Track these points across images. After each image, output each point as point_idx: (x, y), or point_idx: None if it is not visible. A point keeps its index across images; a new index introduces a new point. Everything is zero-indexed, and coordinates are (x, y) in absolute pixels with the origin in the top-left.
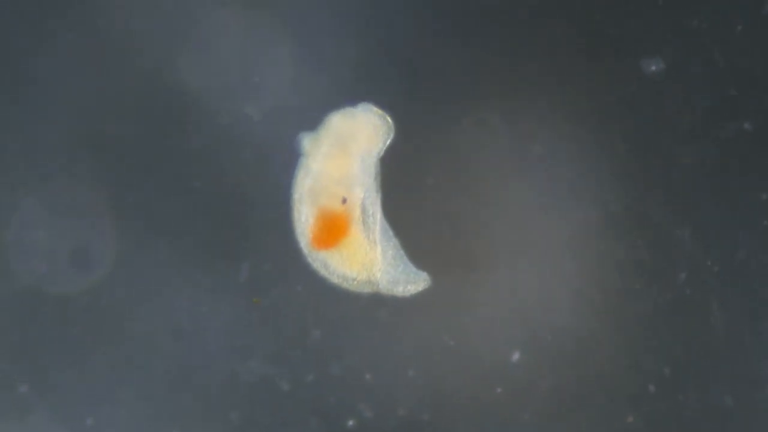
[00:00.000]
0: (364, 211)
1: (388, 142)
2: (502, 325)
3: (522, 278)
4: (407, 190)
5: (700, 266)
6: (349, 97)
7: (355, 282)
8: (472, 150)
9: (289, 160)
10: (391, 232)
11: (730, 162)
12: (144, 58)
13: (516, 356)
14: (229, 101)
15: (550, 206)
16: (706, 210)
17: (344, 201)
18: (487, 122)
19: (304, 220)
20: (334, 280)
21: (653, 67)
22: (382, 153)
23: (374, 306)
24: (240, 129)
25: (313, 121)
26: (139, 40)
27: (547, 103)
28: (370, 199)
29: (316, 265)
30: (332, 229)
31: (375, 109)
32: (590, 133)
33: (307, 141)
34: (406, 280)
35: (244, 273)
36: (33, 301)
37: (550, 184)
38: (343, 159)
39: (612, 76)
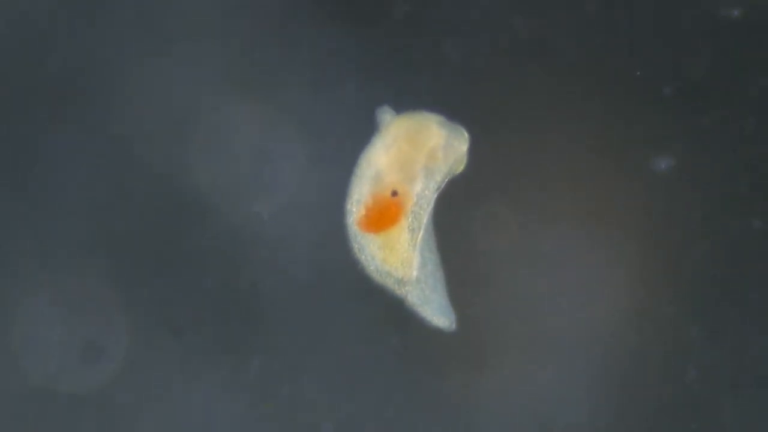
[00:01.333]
0: (414, 212)
1: (456, 170)
2: (511, 420)
3: (531, 373)
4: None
5: (710, 364)
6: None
7: (389, 276)
8: (482, 242)
9: (299, 255)
10: (435, 250)
11: (741, 259)
12: (154, 156)
13: None
14: (239, 199)
15: (560, 302)
16: (717, 307)
17: (394, 194)
18: (498, 215)
19: (357, 198)
20: (369, 267)
21: (663, 165)
22: (448, 176)
23: (384, 403)
24: (251, 227)
25: (324, 216)
26: (149, 139)
27: (557, 200)
28: (422, 205)
29: (355, 248)
30: (382, 214)
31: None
32: (600, 229)
33: (388, 116)
34: (435, 307)
35: (255, 370)
36: (43, 400)
37: (561, 280)
38: (411, 153)
39: (622, 174)
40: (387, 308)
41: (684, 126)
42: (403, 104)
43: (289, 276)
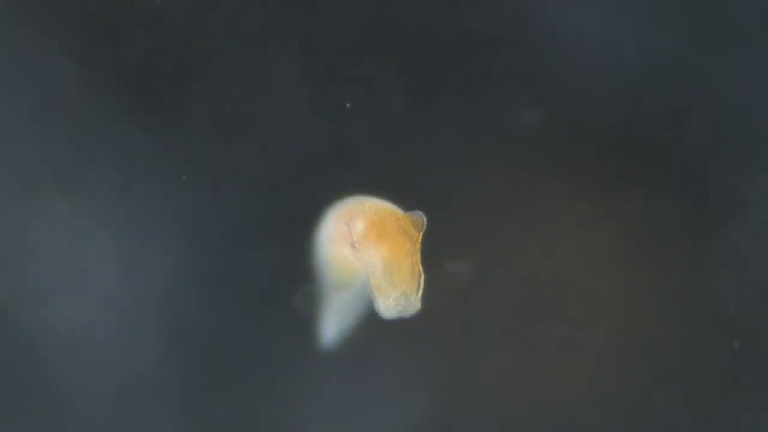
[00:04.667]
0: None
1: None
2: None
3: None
4: None
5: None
6: None
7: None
8: None
9: (106, 363)
10: None
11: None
12: None
13: None
14: (42, 307)
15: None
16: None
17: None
18: None
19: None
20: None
21: None
22: None
23: None
24: (54, 336)
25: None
26: None
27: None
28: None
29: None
30: (383, 228)
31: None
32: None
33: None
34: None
35: None
36: None
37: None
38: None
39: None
40: (186, 410)
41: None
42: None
43: (95, 380)
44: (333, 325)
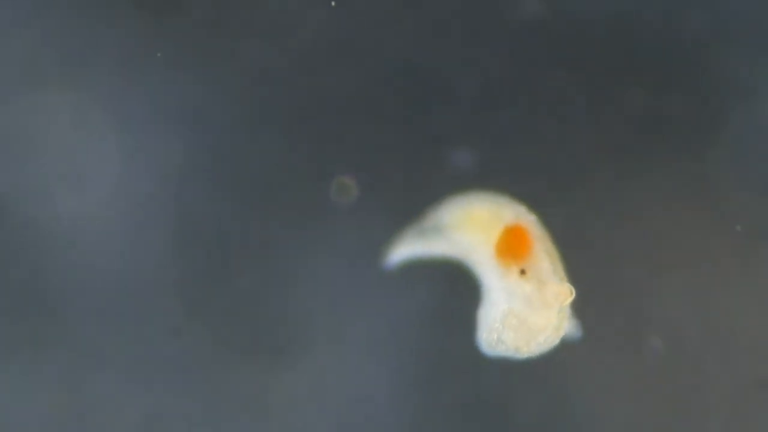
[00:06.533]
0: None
1: None
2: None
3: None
4: None
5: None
6: None
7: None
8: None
9: (109, 254)
10: None
11: None
12: None
13: None
14: (46, 199)
15: None
16: None
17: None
18: None
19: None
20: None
21: (463, 162)
22: None
23: (188, 398)
24: (58, 227)
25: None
26: None
27: None
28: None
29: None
30: (519, 239)
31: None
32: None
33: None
34: None
35: (57, 366)
36: None
37: None
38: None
39: (420, 171)
40: (188, 304)
41: (481, 122)
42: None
43: (97, 274)
44: (404, 251)
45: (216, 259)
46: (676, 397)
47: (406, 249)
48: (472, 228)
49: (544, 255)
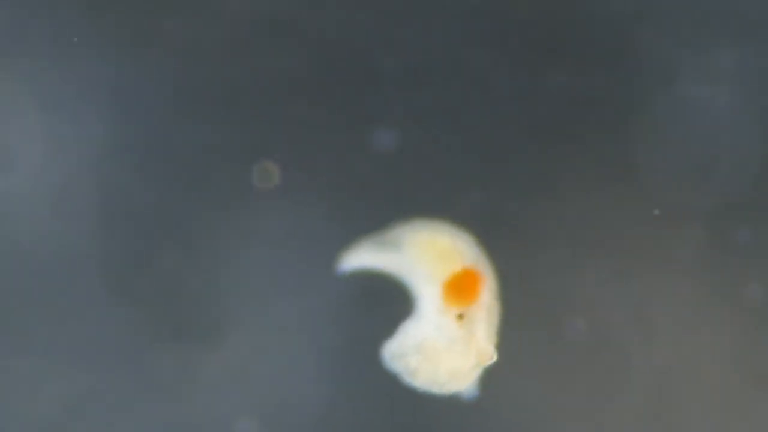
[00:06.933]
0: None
1: None
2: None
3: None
4: None
5: None
6: None
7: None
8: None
9: (36, 235)
10: None
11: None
12: None
13: None
14: None
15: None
16: None
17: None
18: None
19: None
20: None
21: (387, 141)
22: None
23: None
24: None
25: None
26: None
27: None
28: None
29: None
30: (470, 285)
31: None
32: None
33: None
34: None
35: None
36: None
37: None
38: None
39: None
40: (112, 285)
41: (405, 103)
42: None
43: (20, 253)
44: (358, 260)
45: (140, 240)
46: (597, 377)
47: (360, 258)
48: (430, 255)
49: (485, 309)
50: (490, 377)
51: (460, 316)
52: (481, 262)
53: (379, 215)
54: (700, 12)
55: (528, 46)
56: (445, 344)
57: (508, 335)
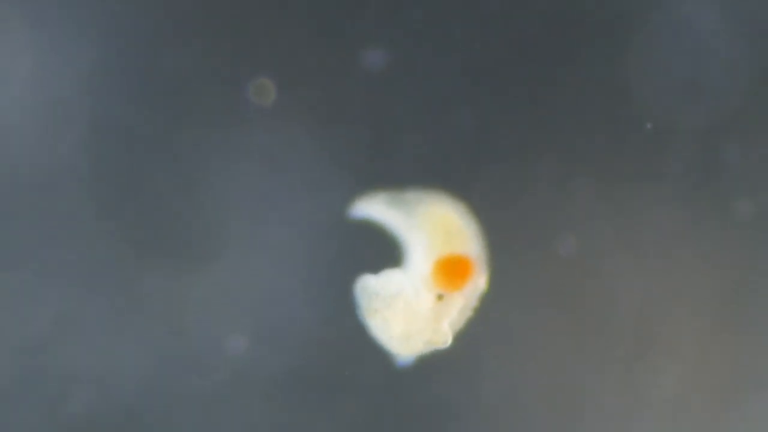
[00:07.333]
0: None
1: None
2: None
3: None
4: None
5: None
6: None
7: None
8: None
9: None
10: None
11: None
12: None
13: None
14: None
15: None
16: None
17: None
18: None
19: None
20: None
21: (377, 60)
22: None
23: None
24: None
25: None
26: None
27: None
28: None
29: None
30: (462, 274)
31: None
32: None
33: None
34: None
35: None
36: None
37: None
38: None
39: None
40: (99, 205)
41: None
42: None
43: (7, 173)
44: (369, 210)
45: (129, 160)
46: (587, 295)
47: (372, 208)
48: (438, 230)
49: (463, 302)
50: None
51: (440, 296)
52: (482, 256)
53: (371, 134)
54: None
55: None
56: (412, 311)
57: (498, 251)
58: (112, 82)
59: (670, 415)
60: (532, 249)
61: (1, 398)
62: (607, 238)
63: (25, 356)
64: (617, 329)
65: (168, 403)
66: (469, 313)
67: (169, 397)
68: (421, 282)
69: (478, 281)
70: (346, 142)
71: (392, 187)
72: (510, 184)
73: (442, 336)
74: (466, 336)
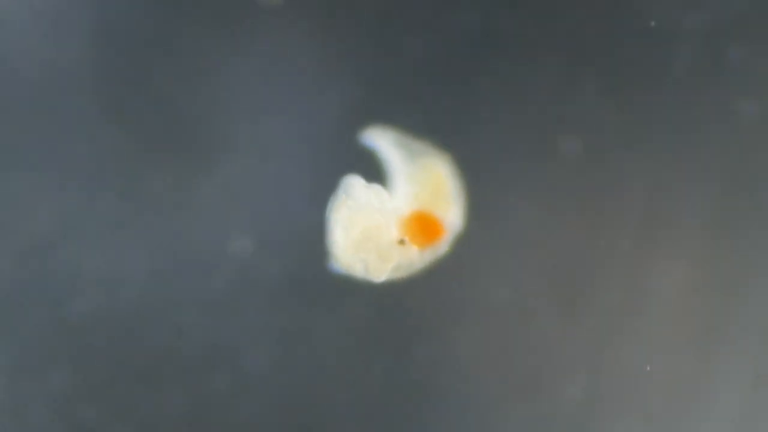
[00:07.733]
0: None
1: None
2: None
3: None
4: None
5: None
6: None
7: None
8: None
9: None
10: None
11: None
12: None
13: None
14: None
15: None
16: None
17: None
18: None
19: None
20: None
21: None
22: None
23: None
24: None
25: None
26: None
27: None
28: None
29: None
30: (432, 233)
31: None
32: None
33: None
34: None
35: None
36: None
37: None
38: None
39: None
40: (105, 104)
41: None
42: None
43: (13, 74)
44: (379, 143)
45: (136, 58)
46: (590, 192)
47: (381, 142)
48: (429, 186)
49: (419, 258)
50: (485, 196)
51: (402, 241)
52: (457, 224)
53: (379, 34)
54: None
55: None
56: (374, 230)
57: (504, 150)
58: None
59: (672, 313)
60: (538, 146)
61: (7, 297)
62: (610, 134)
63: (29, 256)
64: (621, 226)
65: (172, 302)
66: (419, 266)
67: (174, 296)
68: (394, 221)
69: (441, 247)
70: (353, 42)
71: (400, 86)
72: (515, 81)
73: (380, 272)
74: (469, 235)
